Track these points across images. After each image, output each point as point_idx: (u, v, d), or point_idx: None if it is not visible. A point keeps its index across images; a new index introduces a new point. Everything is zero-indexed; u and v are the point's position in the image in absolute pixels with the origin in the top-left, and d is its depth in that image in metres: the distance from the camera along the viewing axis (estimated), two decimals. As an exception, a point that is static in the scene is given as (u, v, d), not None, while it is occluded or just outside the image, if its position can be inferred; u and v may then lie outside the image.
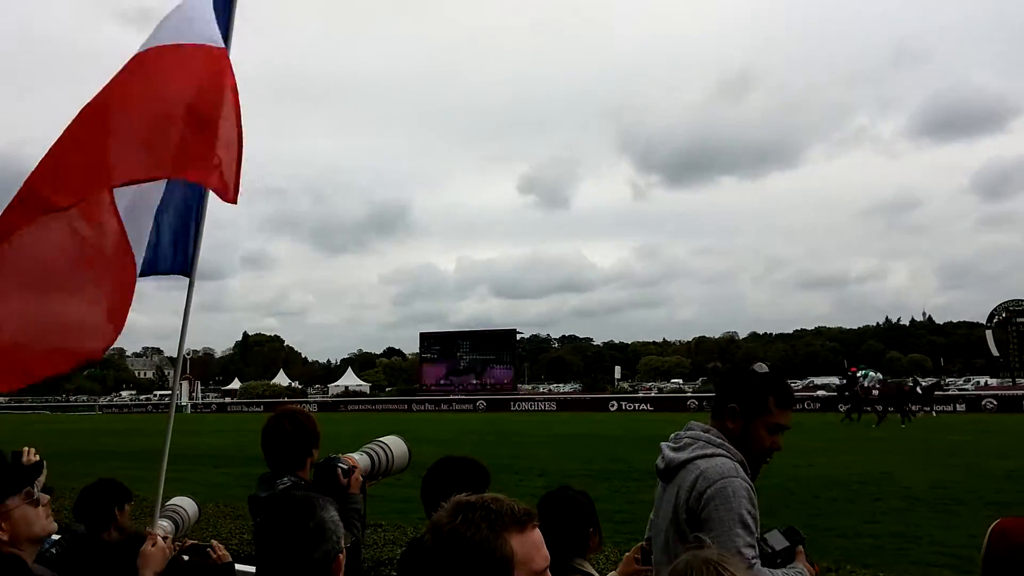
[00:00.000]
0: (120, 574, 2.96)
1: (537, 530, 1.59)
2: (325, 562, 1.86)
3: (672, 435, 2.79)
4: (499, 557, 1.50)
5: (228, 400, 75.82)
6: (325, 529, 1.88)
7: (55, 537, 3.62)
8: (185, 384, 70.13)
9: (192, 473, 15.65)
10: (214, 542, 3.66)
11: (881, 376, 33.60)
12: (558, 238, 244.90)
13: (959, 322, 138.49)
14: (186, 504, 3.83)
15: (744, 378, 2.71)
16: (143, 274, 3.55)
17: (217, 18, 3.72)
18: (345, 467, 3.37)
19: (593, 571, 2.89)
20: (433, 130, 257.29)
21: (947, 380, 49.05)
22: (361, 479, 3.36)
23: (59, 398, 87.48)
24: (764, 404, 2.62)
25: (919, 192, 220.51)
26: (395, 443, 3.56)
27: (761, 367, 2.73)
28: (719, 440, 2.58)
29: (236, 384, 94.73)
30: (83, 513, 3.70)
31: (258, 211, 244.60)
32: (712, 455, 2.53)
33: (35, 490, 2.56)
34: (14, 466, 2.56)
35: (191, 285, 3.75)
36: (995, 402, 39.93)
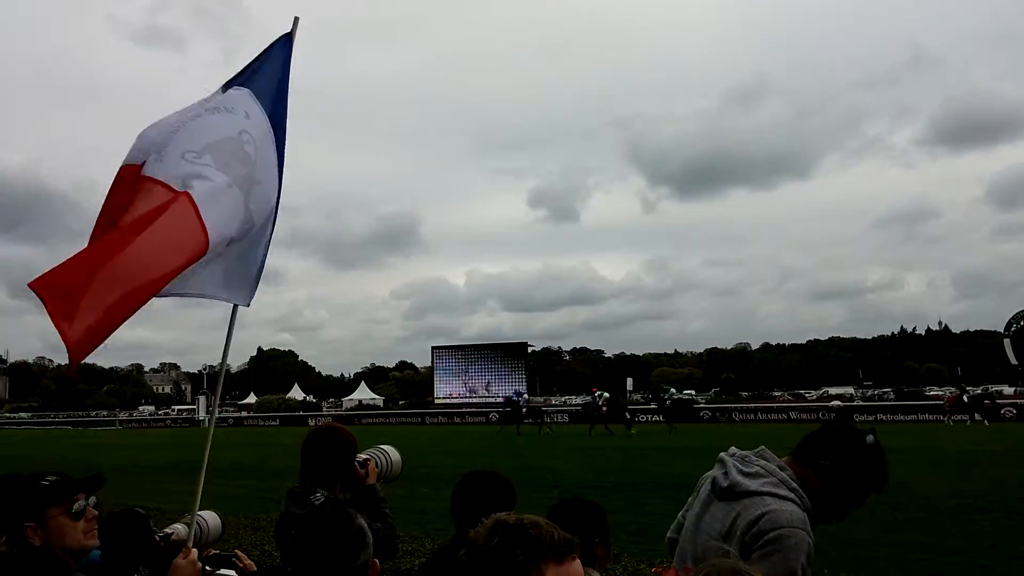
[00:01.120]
0: None
1: (577, 562, 1.53)
2: (365, 567, 1.89)
3: (736, 452, 2.64)
4: None
5: (244, 414, 75.92)
6: (365, 534, 1.92)
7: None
8: (202, 398, 70.52)
9: (211, 485, 15.64)
10: (238, 552, 3.67)
11: (608, 395, 39.93)
12: (568, 251, 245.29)
13: (976, 331, 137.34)
14: (208, 517, 3.82)
15: (852, 445, 2.56)
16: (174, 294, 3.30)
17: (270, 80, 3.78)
18: (360, 460, 3.46)
19: None
20: (443, 144, 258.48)
21: (994, 389, 48.05)
22: (376, 470, 3.45)
23: (80, 414, 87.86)
24: (858, 480, 2.51)
25: (934, 201, 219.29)
26: (392, 451, 3.72)
27: (871, 439, 2.59)
28: (794, 485, 2.45)
29: (252, 398, 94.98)
30: (106, 542, 3.63)
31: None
32: (784, 497, 2.40)
33: (84, 504, 2.57)
34: (64, 479, 2.58)
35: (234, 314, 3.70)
36: (1014, 411, 39.47)
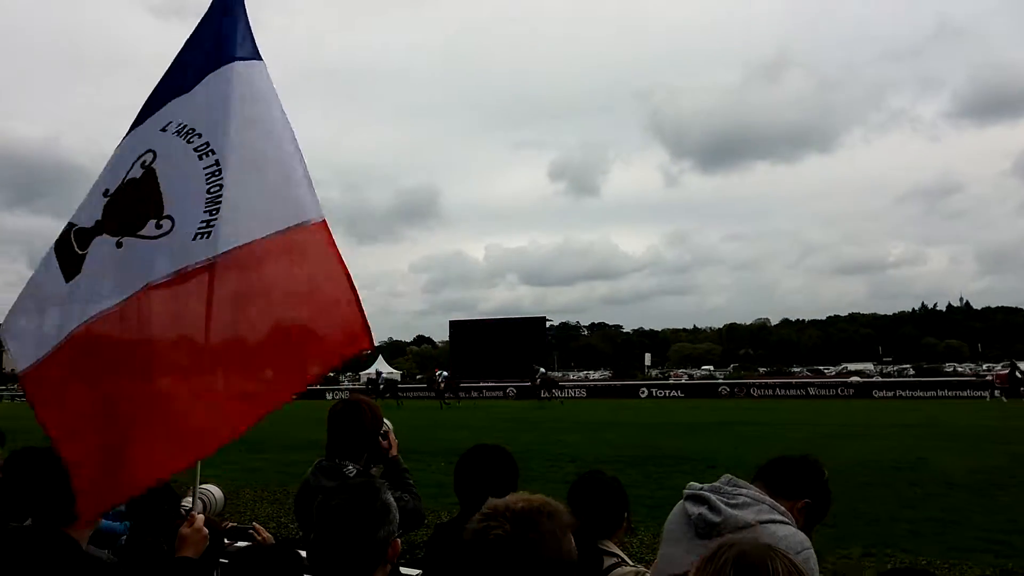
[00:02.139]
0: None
1: None
2: (385, 543, 1.87)
3: (700, 485, 2.42)
4: (575, 561, 1.51)
5: (262, 388, 76.49)
6: (390, 509, 1.89)
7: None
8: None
9: (228, 459, 15.87)
10: (255, 524, 3.70)
11: (447, 374, 47.24)
12: (588, 225, 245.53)
13: (997, 307, 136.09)
14: (213, 490, 3.88)
15: (824, 480, 2.63)
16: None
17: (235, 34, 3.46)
18: (381, 431, 3.46)
19: (620, 552, 2.88)
20: (463, 117, 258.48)
21: None
22: (397, 442, 3.46)
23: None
24: (822, 513, 2.57)
25: (959, 176, 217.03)
26: (387, 423, 3.71)
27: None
28: (783, 508, 2.35)
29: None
30: (138, 515, 3.60)
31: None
32: (784, 522, 2.29)
33: None
34: None
35: None
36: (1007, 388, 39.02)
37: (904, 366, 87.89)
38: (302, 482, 3.51)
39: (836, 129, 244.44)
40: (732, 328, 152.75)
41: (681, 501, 2.34)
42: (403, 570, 3.68)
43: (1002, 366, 44.95)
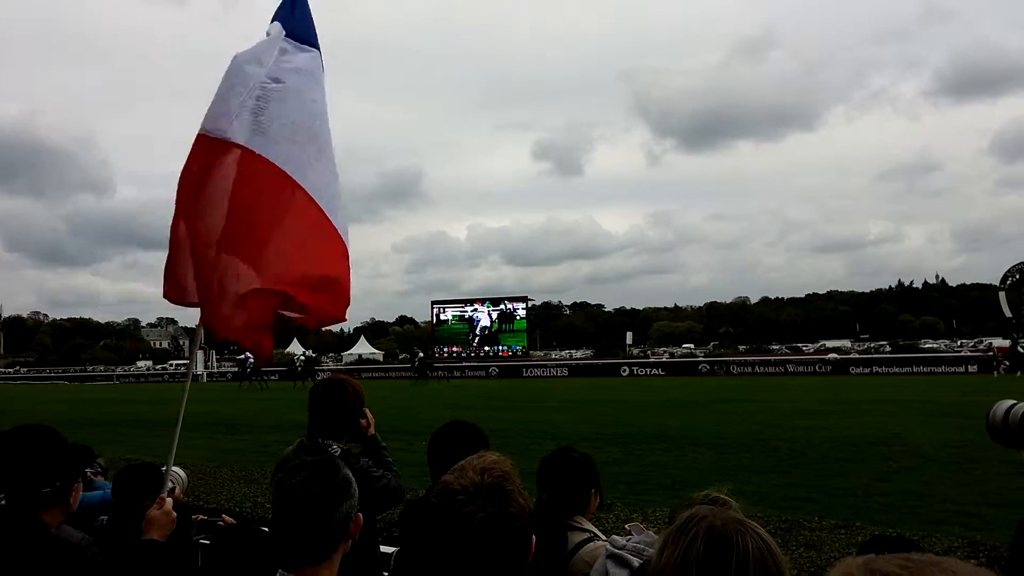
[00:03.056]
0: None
1: None
2: (347, 519, 1.85)
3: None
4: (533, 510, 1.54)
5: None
6: (350, 484, 1.88)
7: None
8: (200, 354, 70.72)
9: (208, 440, 15.82)
10: (225, 516, 3.70)
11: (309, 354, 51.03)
12: (571, 205, 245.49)
13: (972, 284, 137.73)
14: (179, 471, 3.92)
15: None
16: None
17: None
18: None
19: (593, 528, 2.91)
20: (446, 97, 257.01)
21: (988, 341, 47.23)
22: (374, 420, 3.46)
23: (77, 369, 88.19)
24: None
25: (938, 154, 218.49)
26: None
27: None
28: None
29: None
30: (121, 495, 3.58)
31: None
32: None
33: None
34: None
35: None
36: (1008, 363, 39.66)
37: (881, 343, 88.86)
38: (281, 460, 3.50)
39: (818, 108, 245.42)
40: (712, 306, 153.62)
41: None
42: (381, 548, 3.69)
43: (973, 341, 45.54)
